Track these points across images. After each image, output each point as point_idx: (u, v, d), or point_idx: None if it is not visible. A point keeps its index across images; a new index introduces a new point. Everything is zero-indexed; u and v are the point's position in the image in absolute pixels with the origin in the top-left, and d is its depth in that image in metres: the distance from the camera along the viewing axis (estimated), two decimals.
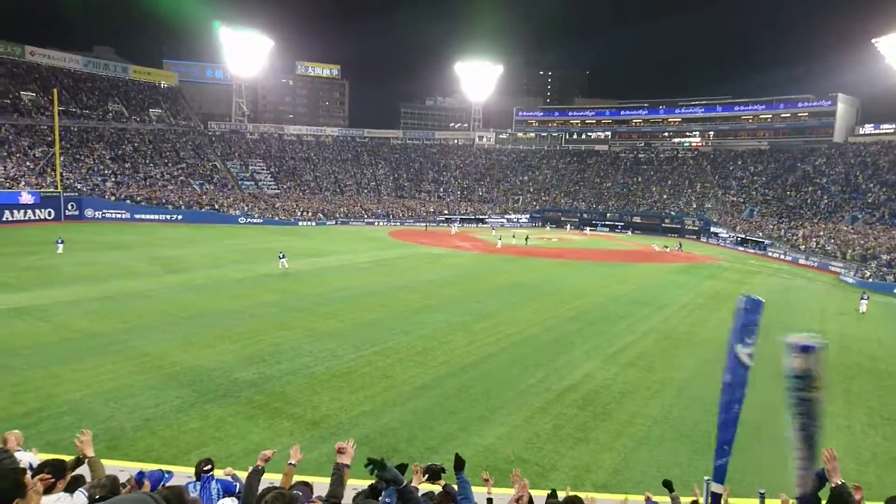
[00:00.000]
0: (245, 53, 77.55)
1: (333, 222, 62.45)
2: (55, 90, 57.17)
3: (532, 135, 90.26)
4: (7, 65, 62.61)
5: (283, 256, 30.32)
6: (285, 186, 72.00)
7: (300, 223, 59.82)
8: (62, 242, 32.83)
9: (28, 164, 52.14)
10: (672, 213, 66.67)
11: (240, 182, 69.92)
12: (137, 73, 76.99)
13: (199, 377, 13.67)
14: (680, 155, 78.17)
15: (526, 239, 50.38)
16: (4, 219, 44.36)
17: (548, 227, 67.92)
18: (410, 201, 73.93)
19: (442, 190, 78.62)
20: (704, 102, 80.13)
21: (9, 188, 46.71)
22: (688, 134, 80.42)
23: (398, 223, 65.71)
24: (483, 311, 22.17)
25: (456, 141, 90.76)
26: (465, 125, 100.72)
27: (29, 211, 46.91)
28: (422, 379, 14.24)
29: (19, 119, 57.58)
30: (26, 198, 47.08)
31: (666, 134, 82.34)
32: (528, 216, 71.77)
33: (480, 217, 69.73)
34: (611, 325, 20.96)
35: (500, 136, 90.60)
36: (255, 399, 12.52)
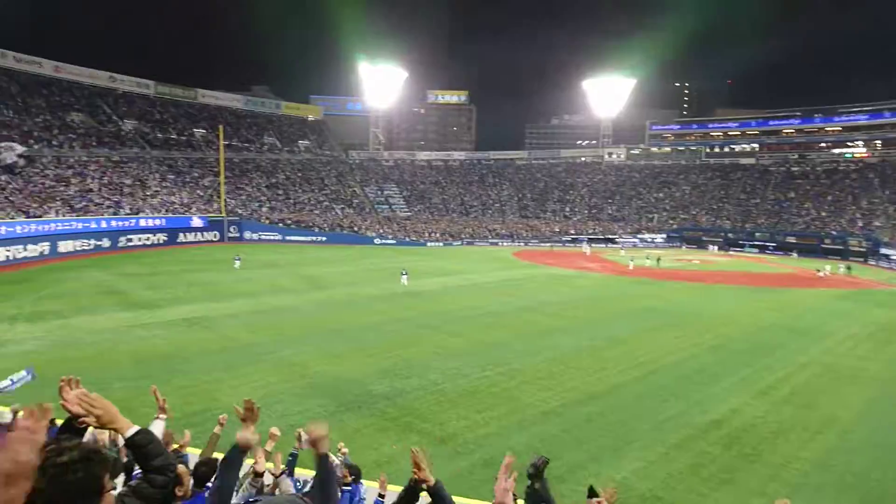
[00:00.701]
0: (381, 86, 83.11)
1: (460, 243, 63.86)
2: (221, 127, 65.18)
3: (667, 149, 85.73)
4: (184, 106, 72.67)
5: (405, 273, 32.35)
6: (416, 209, 75.24)
7: (429, 244, 61.96)
8: (239, 259, 37.91)
9: (198, 192, 59.72)
10: (833, 232, 59.30)
11: (375, 206, 74.35)
12: (288, 108, 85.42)
13: (338, 387, 14.58)
14: (841, 167, 69.71)
15: (658, 260, 47.44)
16: (179, 240, 51.02)
17: (683, 248, 63.56)
18: (535, 221, 73.47)
19: (568, 209, 77.20)
20: (869, 108, 70.75)
21: (183, 213, 53.74)
22: (849, 144, 71.58)
23: (522, 243, 65.52)
24: (614, 335, 21.24)
25: (583, 159, 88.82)
26: (594, 142, 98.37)
27: (198, 233, 53.55)
28: (548, 404, 13.93)
29: (192, 153, 66.35)
30: (196, 222, 53.85)
31: (823, 144, 74.01)
32: (663, 236, 67.60)
33: (610, 237, 67.18)
34: (762, 356, 18.99)
35: (632, 151, 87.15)
36: (388, 412, 13.06)
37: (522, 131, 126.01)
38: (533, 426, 12.58)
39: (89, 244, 42.34)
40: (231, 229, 56.67)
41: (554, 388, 15.12)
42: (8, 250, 35.21)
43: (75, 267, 35.45)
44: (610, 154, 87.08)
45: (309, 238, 58.72)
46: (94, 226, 43.52)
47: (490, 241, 65.63)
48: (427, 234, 64.64)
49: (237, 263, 37.41)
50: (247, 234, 57.39)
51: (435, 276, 36.17)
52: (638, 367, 17.34)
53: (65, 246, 40.12)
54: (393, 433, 12.00)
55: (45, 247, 38.37)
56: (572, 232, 68.57)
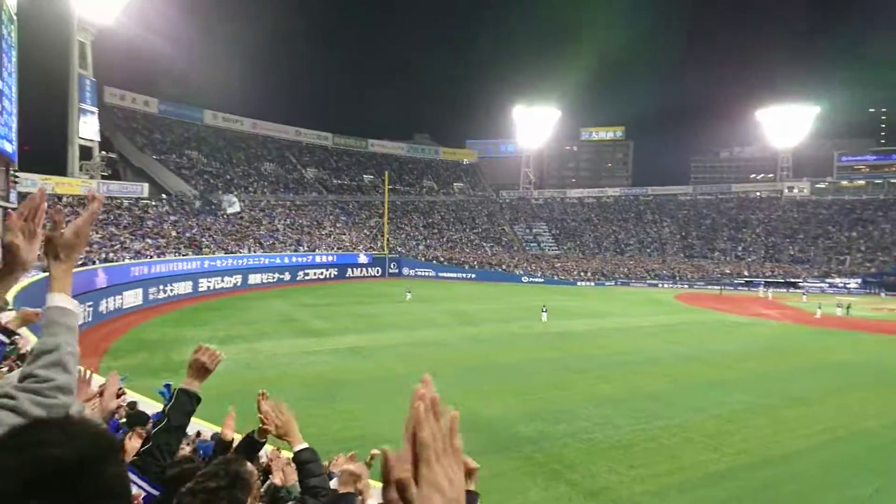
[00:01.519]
0: (534, 126, 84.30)
1: (613, 283, 61.12)
2: (386, 172, 70.71)
3: (861, 182, 74.68)
4: (356, 155, 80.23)
5: (545, 310, 32.76)
6: (565, 247, 73.92)
7: (579, 283, 60.21)
8: (410, 292, 41.10)
9: (365, 231, 64.94)
10: None
11: (524, 244, 74.56)
12: (446, 153, 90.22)
13: (483, 426, 14.56)
14: None
15: (848, 308, 40.68)
16: (347, 275, 55.63)
17: (882, 295, 53.94)
18: (701, 261, 67.84)
19: (741, 249, 70.17)
20: None
21: (351, 251, 58.67)
22: None
23: (686, 285, 60.68)
24: (795, 393, 18.56)
25: (758, 194, 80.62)
26: (770, 175, 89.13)
27: (364, 269, 57.96)
28: (715, 466, 12.49)
29: (361, 196, 72.66)
30: (362, 258, 58.41)
31: None
32: (858, 281, 58.13)
33: (792, 280, 59.47)
34: None
35: (817, 185, 77.24)
36: (534, 457, 12.69)
37: (686, 165, 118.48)
38: (696, 489, 11.35)
39: (273, 277, 48.00)
40: (391, 266, 60.50)
41: (722, 448, 13.55)
42: (210, 281, 41.19)
43: (261, 297, 40.28)
44: (790, 188, 77.98)
45: (460, 275, 60.47)
46: (277, 261, 49.36)
47: (648, 282, 61.87)
48: (577, 273, 62.92)
49: (408, 296, 40.60)
50: (405, 271, 60.80)
51: (585, 318, 34.92)
52: (824, 431, 14.90)
53: (253, 278, 45.90)
54: (539, 479, 11.61)
55: (237, 279, 44.25)
56: (745, 274, 62.05)
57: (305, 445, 2.53)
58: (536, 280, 60.46)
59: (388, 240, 63.15)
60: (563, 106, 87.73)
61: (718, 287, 58.30)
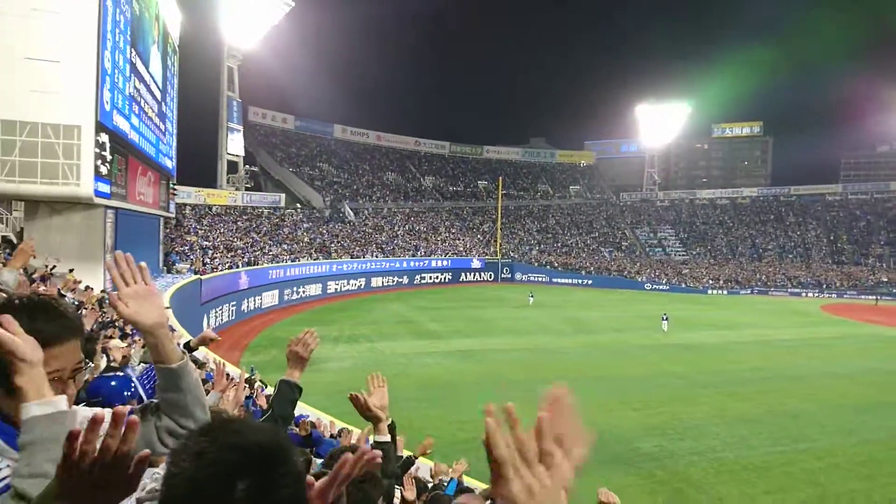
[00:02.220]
0: (659, 124, 79.88)
1: (749, 291, 56.14)
2: (500, 178, 70.94)
3: None
4: (471, 162, 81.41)
5: (666, 318, 30.98)
6: (694, 252, 69.21)
7: (710, 291, 56.03)
8: (533, 296, 42.24)
9: (478, 236, 65.62)
10: None
11: (647, 249, 70.93)
12: (562, 156, 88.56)
13: (601, 439, 14.00)
14: None
15: None
16: (461, 279, 56.55)
17: None
18: (852, 268, 60.23)
19: None
20: None
21: (465, 256, 59.56)
22: None
23: (834, 295, 54.20)
24: None
25: None
26: None
27: (477, 273, 58.57)
28: (869, 498, 11.08)
29: (475, 202, 73.55)
30: (476, 263, 59.05)
31: None
32: None
33: None
34: None
35: None
36: (656, 474, 12.08)
37: (835, 163, 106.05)
38: None
39: (393, 281, 50.12)
40: (504, 270, 60.51)
41: (877, 477, 11.98)
42: (337, 283, 43.94)
43: (381, 299, 42.22)
44: None
45: (575, 280, 58.92)
46: (397, 266, 51.46)
47: (790, 290, 56.09)
48: (708, 281, 58.61)
49: (531, 300, 41.33)
50: (517, 276, 60.51)
51: (716, 329, 32.47)
52: None
53: (375, 282, 48.25)
54: (661, 497, 11.04)
55: (361, 282, 46.76)
56: None
57: (387, 438, 2.57)
58: (661, 287, 57.22)
59: (500, 245, 63.24)
60: (693, 101, 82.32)
61: (874, 297, 51.38)
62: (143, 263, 1.53)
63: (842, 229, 68.23)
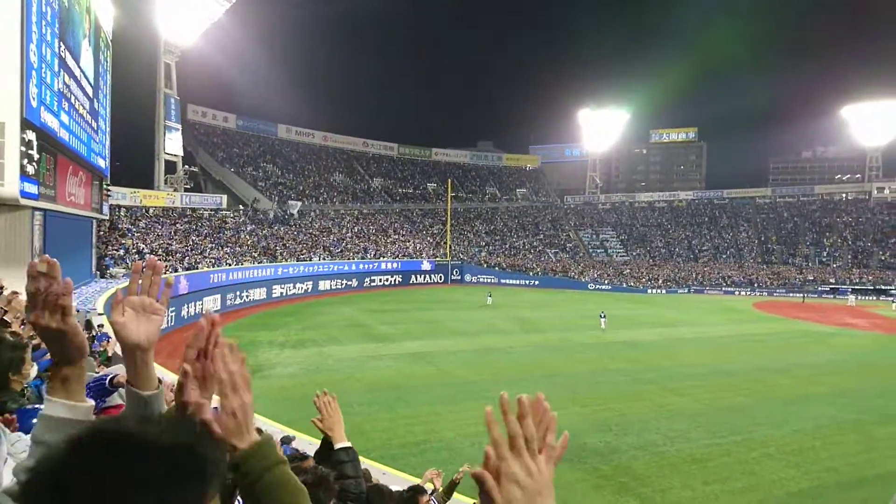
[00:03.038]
0: (601, 130, 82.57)
1: (686, 290, 58.66)
2: (449, 180, 71.26)
3: None
4: (420, 164, 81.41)
5: (604, 316, 32.48)
6: (634, 253, 71.71)
7: (649, 290, 58.19)
8: (491, 296, 43.70)
9: (428, 238, 65.68)
10: None
11: (590, 250, 72.95)
12: (509, 160, 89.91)
13: None
14: None
15: None
16: (411, 281, 56.41)
17: None
18: (781, 267, 63.98)
19: (825, 254, 65.69)
20: None
21: (415, 258, 59.46)
22: None
23: (765, 293, 57.41)
24: (889, 410, 17.17)
25: (844, 196, 75.29)
26: (858, 176, 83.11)
27: (427, 275, 58.59)
28: (798, 484, 11.76)
29: (425, 204, 73.59)
30: (426, 265, 59.05)
31: None
32: None
33: (883, 287, 55.11)
34: None
35: None
36: (601, 469, 12.40)
37: (764, 167, 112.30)
38: None
39: (342, 283, 49.39)
40: (454, 272, 60.80)
41: (805, 465, 12.74)
42: (283, 287, 42.90)
43: (330, 303, 41.54)
44: (881, 189, 72.27)
45: (523, 281, 59.91)
46: (346, 268, 50.75)
47: (724, 289, 58.98)
48: (648, 281, 60.86)
49: (489, 300, 42.61)
50: (467, 277, 60.95)
51: (656, 327, 33.72)
52: None
53: (323, 285, 47.40)
54: (608, 492, 11.33)
55: (308, 285, 45.83)
56: (832, 281, 58.04)
57: (346, 445, 2.49)
58: (603, 287, 58.97)
59: (450, 247, 63.54)
60: (632, 108, 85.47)
61: (801, 294, 54.77)
62: (170, 278, 1.44)
63: (771, 230, 72.36)
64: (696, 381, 20.30)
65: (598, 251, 72.83)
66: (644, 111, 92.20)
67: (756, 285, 59.31)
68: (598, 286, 59.16)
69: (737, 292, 58.02)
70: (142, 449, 0.73)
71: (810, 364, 23.89)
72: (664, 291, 58.16)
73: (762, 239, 71.40)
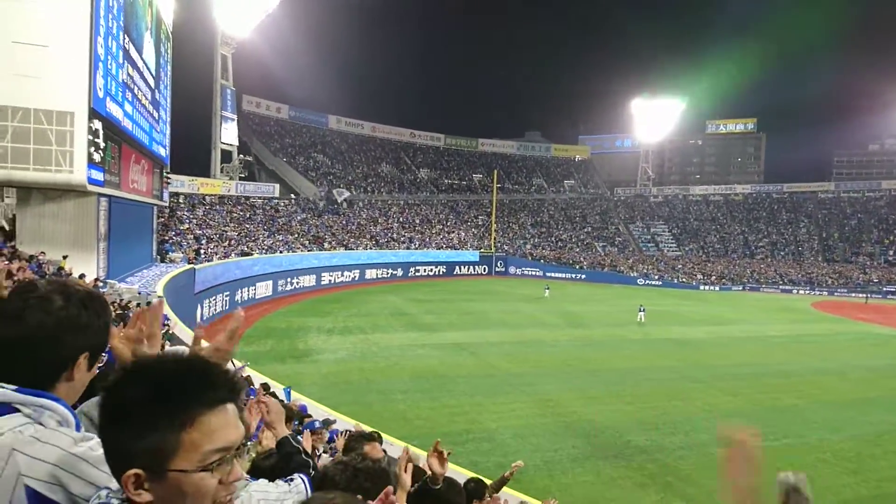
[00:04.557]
0: (654, 120, 79.99)
1: (740, 288, 56.57)
2: (495, 171, 70.90)
3: None
4: (465, 155, 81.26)
5: (643, 310, 31.93)
6: (687, 248, 69.57)
7: (701, 287, 56.41)
8: (549, 289, 43.11)
9: (473, 230, 65.65)
10: None
11: (641, 244, 71.23)
12: (557, 150, 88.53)
13: (593, 431, 14.23)
14: None
15: None
16: (455, 272, 56.62)
17: None
18: (843, 266, 60.77)
19: (892, 253, 61.96)
20: None
21: (459, 249, 59.60)
22: None
23: (825, 292, 54.72)
24: None
25: None
26: None
27: (471, 266, 58.68)
28: (855, 491, 11.26)
29: (470, 196, 73.51)
30: (470, 256, 59.14)
31: None
32: None
33: None
34: None
35: None
36: (647, 467, 12.20)
37: (827, 161, 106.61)
38: None
39: (387, 273, 50.09)
40: (498, 264, 60.64)
41: (863, 472, 12.17)
42: (331, 275, 43.87)
43: (376, 291, 42.22)
44: None
45: (569, 275, 59.14)
46: (392, 258, 51.42)
47: (781, 287, 56.59)
48: (700, 277, 58.98)
49: (546, 293, 42.23)
50: (511, 269, 60.66)
51: (707, 324, 32.71)
52: None
53: (370, 273, 48.21)
54: (652, 491, 11.15)
55: (356, 273, 46.70)
56: None
57: (286, 435, 2.38)
58: (653, 283, 57.53)
59: (495, 238, 63.32)
60: (687, 97, 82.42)
61: (864, 295, 51.92)
62: (157, 307, 1.67)
63: (833, 227, 68.76)
64: (749, 382, 19.63)
65: (649, 245, 71.01)
66: (700, 101, 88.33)
67: (816, 284, 56.62)
68: (648, 281, 57.77)
69: (795, 291, 55.56)
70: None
71: (871, 367, 22.70)
72: (718, 288, 56.28)
73: (823, 236, 67.96)
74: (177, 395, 0.96)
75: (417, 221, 61.92)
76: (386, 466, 2.36)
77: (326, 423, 9.50)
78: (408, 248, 54.75)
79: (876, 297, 51.46)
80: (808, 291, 55.26)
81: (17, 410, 1.18)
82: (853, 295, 53.01)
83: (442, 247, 58.22)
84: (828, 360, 23.96)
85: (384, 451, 4.43)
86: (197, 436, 0.96)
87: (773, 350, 25.83)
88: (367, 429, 7.52)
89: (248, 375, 12.45)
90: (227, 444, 0.99)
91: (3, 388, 1.20)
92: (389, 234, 55.89)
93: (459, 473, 8.10)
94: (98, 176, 16.50)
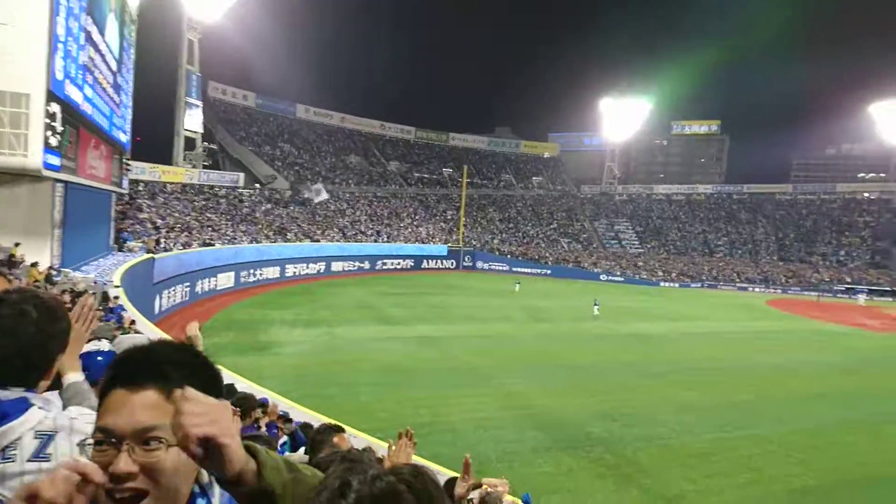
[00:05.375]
0: (622, 119, 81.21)
1: (699, 285, 58.23)
2: (465, 166, 71.06)
3: None
4: (436, 149, 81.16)
5: (597, 304, 32.80)
6: (649, 246, 71.18)
7: (662, 284, 57.86)
8: (519, 283, 43.82)
9: (441, 224, 65.72)
10: None
11: (604, 241, 72.52)
12: (526, 147, 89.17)
13: (554, 423, 14.48)
14: None
15: None
16: (422, 266, 56.61)
17: None
18: (797, 265, 63.18)
19: (843, 254, 64.72)
20: None
21: (427, 242, 59.57)
22: None
23: (779, 290, 56.83)
24: None
25: (867, 195, 73.87)
26: (882, 175, 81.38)
27: (439, 261, 58.75)
28: (801, 481, 11.76)
29: (440, 190, 73.51)
30: (438, 250, 59.20)
31: None
32: None
33: None
34: None
35: None
36: (605, 458, 12.48)
37: (787, 163, 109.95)
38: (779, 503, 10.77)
39: (354, 265, 49.72)
40: (466, 258, 60.90)
41: (810, 462, 12.72)
42: (296, 267, 43.29)
43: (342, 284, 41.89)
44: None
45: (535, 270, 59.82)
46: (359, 251, 51.05)
47: (738, 285, 58.49)
48: (661, 274, 60.47)
49: (517, 287, 42.90)
50: (479, 264, 61.03)
51: (667, 320, 33.59)
52: None
53: (336, 266, 47.75)
54: (610, 481, 11.42)
55: (321, 266, 46.20)
56: (847, 280, 57.24)
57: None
58: (616, 279, 58.72)
59: (463, 233, 63.55)
60: (654, 98, 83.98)
61: (816, 293, 54.13)
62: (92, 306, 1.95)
63: (789, 228, 71.35)
64: (706, 377, 20.26)
65: (613, 242, 72.37)
66: (666, 102, 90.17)
67: (771, 282, 58.74)
68: (610, 277, 58.94)
69: (751, 289, 57.50)
70: None
71: (821, 363, 23.71)
72: (677, 285, 57.80)
73: (780, 236, 70.47)
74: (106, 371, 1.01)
75: (386, 214, 61.61)
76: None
77: (286, 417, 9.42)
78: (375, 242, 54.44)
79: (827, 296, 53.66)
80: (763, 289, 57.25)
81: (32, 405, 1.45)
82: (806, 293, 55.16)
83: (410, 240, 58.10)
84: (781, 356, 24.89)
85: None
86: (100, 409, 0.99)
87: (730, 346, 26.71)
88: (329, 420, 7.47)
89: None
90: (108, 426, 0.94)
91: (22, 392, 1.48)
92: (357, 227, 55.47)
93: (422, 464, 8.16)
94: (54, 161, 15.87)
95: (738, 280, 59.49)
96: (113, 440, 0.91)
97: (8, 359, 1.49)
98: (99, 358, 2.95)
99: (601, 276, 59.04)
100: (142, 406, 0.93)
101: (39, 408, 1.46)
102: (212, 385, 1.02)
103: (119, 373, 0.95)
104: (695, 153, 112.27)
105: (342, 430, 4.18)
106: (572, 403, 16.22)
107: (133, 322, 12.48)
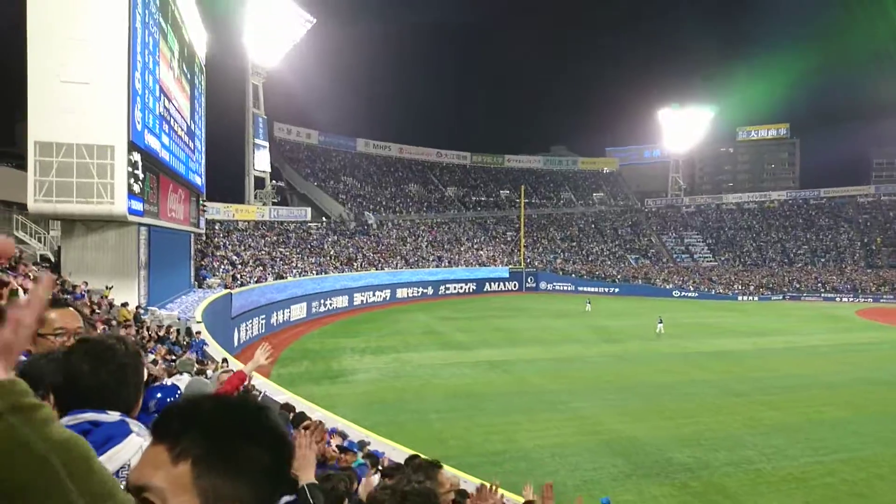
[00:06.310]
0: (682, 129, 78.90)
1: (780, 297, 54.85)
2: (522, 186, 70.85)
3: None
4: (493, 172, 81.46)
5: (661, 322, 31.75)
6: (723, 258, 67.96)
7: (739, 297, 54.89)
8: (590, 303, 43.47)
9: (502, 246, 65.48)
10: None
11: (674, 255, 69.90)
12: (584, 163, 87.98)
13: (632, 449, 13.90)
14: None
15: None
16: (485, 289, 56.39)
17: None
18: (889, 272, 58.38)
19: None
20: None
21: (489, 265, 59.45)
22: None
23: (869, 299, 52.63)
24: None
25: None
26: None
27: (501, 283, 58.37)
28: None
29: (498, 212, 73.48)
30: (500, 273, 58.89)
31: None
32: None
33: None
34: None
35: None
36: (691, 485, 11.84)
37: (866, 162, 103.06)
38: None
39: (418, 292, 50.25)
40: (528, 280, 60.22)
41: None
42: (363, 295, 44.25)
43: (406, 310, 42.36)
44: None
45: (601, 289, 58.28)
46: (422, 276, 51.61)
47: (823, 295, 54.66)
48: (738, 287, 57.42)
49: (588, 307, 42.43)
50: (542, 285, 60.15)
51: (747, 336, 31.76)
52: None
53: (401, 293, 48.42)
54: None
55: (386, 293, 46.98)
56: None
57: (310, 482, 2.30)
58: (689, 294, 56.23)
59: (524, 254, 63.01)
60: (717, 105, 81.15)
61: None
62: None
63: (876, 232, 66.29)
64: (793, 394, 18.95)
65: (683, 256, 69.61)
66: (730, 108, 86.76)
67: (860, 291, 54.51)
68: (683, 293, 56.51)
69: (838, 299, 53.62)
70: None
71: None
72: (756, 298, 54.69)
73: (865, 241, 65.56)
74: None
75: (446, 239, 62.11)
76: (433, 488, 2.40)
77: (361, 444, 9.54)
78: (437, 267, 54.88)
79: None
80: (851, 299, 53.26)
81: (131, 431, 1.58)
82: None
83: (471, 264, 58.18)
84: (875, 369, 22.97)
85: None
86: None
87: (817, 360, 24.90)
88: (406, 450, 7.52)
89: (288, 403, 12.58)
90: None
91: (118, 416, 1.61)
92: (419, 253, 56.17)
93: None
94: (138, 206, 17.11)
95: (823, 290, 55.61)
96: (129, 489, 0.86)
97: (104, 386, 1.63)
98: (158, 394, 3.05)
99: (674, 293, 56.68)
100: (145, 461, 0.87)
101: (137, 434, 1.57)
102: (272, 449, 0.89)
103: (154, 421, 0.91)
104: (764, 159, 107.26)
105: (440, 467, 3.89)
106: (649, 426, 15.54)
107: (225, 360, 13.09)
